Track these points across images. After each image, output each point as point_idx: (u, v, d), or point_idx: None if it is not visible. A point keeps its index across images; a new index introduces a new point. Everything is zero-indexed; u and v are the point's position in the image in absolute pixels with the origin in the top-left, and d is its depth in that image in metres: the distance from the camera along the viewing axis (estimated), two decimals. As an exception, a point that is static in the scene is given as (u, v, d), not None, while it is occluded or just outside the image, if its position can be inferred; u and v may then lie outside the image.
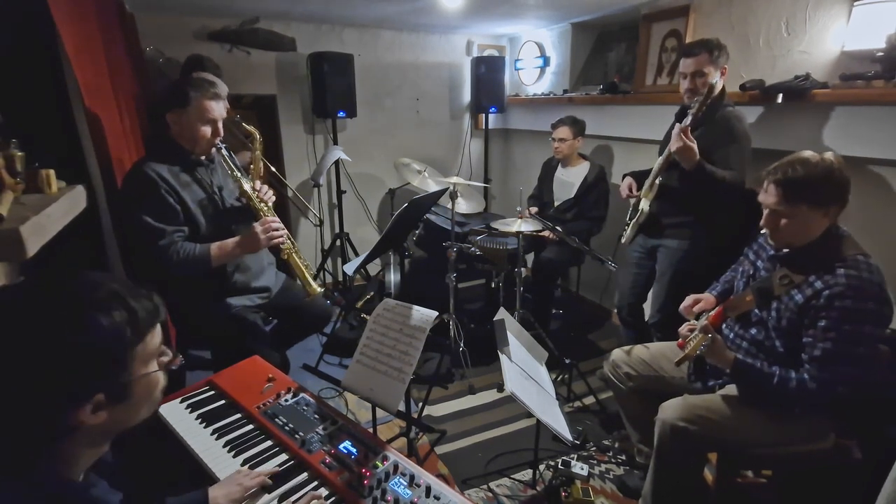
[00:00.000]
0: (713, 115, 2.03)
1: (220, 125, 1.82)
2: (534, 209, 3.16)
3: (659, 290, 2.31)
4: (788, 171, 1.36)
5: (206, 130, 1.78)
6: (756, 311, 1.53)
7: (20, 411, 0.69)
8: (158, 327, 0.81)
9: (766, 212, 1.45)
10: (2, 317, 0.69)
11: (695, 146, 1.94)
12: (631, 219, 2.30)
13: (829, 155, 1.37)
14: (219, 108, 1.80)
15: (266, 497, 1.12)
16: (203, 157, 1.85)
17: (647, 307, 2.50)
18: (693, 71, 2.06)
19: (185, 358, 2.11)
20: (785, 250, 1.50)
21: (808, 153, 1.38)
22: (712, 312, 1.67)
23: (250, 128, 2.13)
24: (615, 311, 3.46)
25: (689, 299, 1.77)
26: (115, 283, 0.76)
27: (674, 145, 1.97)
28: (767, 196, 1.42)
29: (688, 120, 1.96)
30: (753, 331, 1.55)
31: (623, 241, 2.34)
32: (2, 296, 0.74)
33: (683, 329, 1.69)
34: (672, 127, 2.25)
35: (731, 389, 1.57)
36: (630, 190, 2.33)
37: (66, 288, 0.73)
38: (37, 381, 0.68)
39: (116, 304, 0.73)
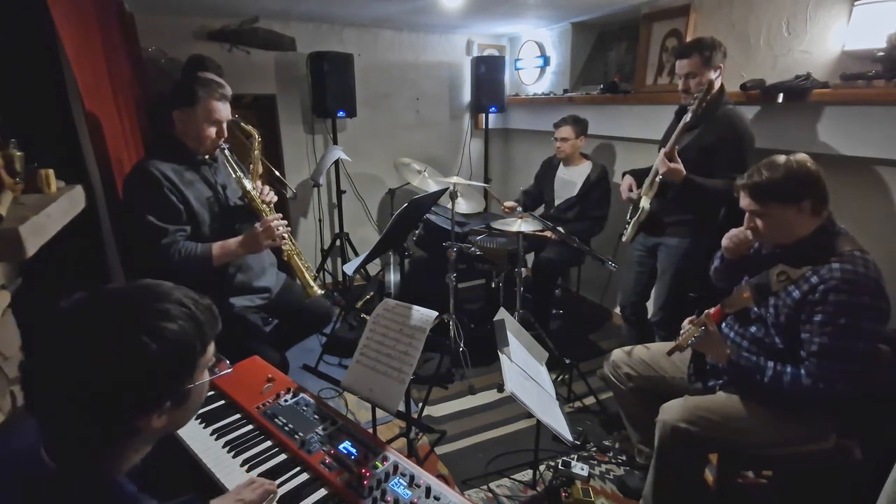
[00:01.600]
0: (713, 114, 2.04)
1: (225, 126, 1.82)
2: (511, 204, 3.12)
3: (660, 288, 2.32)
4: (753, 176, 1.43)
5: (212, 131, 1.78)
6: (755, 308, 1.54)
7: (96, 416, 0.70)
8: None
9: (746, 217, 1.51)
10: (86, 324, 0.71)
11: (679, 166, 1.98)
12: (632, 217, 2.30)
13: (798, 155, 1.41)
14: (225, 110, 1.80)
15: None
16: (206, 157, 1.85)
17: (650, 305, 2.50)
18: (686, 72, 2.09)
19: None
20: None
21: (779, 157, 1.42)
22: (711, 311, 1.67)
23: (249, 127, 2.13)
24: (616, 310, 3.47)
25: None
26: (181, 292, 0.78)
27: (661, 168, 2.01)
28: (742, 200, 1.49)
29: (688, 116, 1.97)
30: (753, 328, 1.55)
31: (624, 239, 2.34)
32: (81, 304, 0.74)
33: (684, 323, 1.70)
34: (672, 123, 2.26)
35: (732, 390, 1.57)
36: (630, 189, 2.33)
37: (137, 301, 0.75)
38: (116, 391, 0.69)
39: (186, 316, 0.75)
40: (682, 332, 1.62)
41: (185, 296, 0.77)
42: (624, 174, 2.42)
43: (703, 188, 2.00)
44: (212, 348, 0.82)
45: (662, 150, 2.02)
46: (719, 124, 2.03)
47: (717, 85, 2.05)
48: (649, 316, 2.45)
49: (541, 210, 3.31)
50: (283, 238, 1.84)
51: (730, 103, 2.10)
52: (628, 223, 2.32)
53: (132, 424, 0.73)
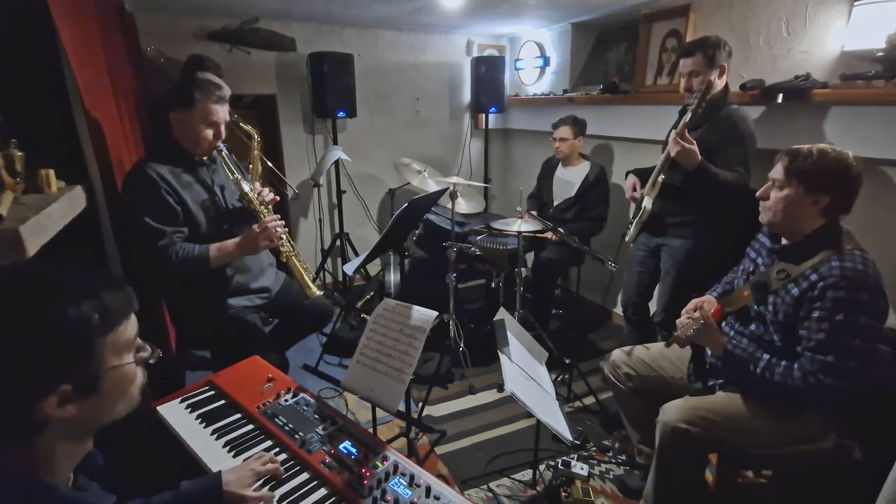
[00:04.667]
0: (717, 114, 2.03)
1: (223, 128, 1.82)
2: (533, 211, 3.17)
3: (664, 288, 2.32)
4: (801, 151, 1.40)
5: (209, 133, 1.78)
6: (755, 306, 1.54)
7: None
8: (133, 319, 0.79)
9: (767, 183, 1.49)
10: None
11: (694, 147, 1.94)
12: (634, 216, 2.30)
13: (850, 155, 1.38)
14: (223, 112, 1.80)
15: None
16: (205, 158, 1.85)
17: (653, 305, 2.50)
18: (689, 71, 2.07)
19: (185, 358, 2.12)
20: (783, 242, 1.51)
21: (836, 149, 1.39)
22: (711, 310, 1.67)
23: (248, 127, 2.13)
24: (616, 310, 3.47)
25: (691, 304, 1.77)
26: (85, 273, 0.74)
27: (672, 150, 1.97)
28: (775, 168, 1.47)
29: (687, 116, 1.96)
30: (752, 326, 1.56)
31: (627, 239, 2.34)
32: None
33: (682, 319, 1.70)
34: (676, 123, 2.25)
35: (732, 389, 1.58)
36: (634, 188, 2.33)
37: (32, 277, 0.72)
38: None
39: (83, 292, 0.71)
40: (679, 326, 1.63)
41: (88, 275, 0.74)
42: (628, 173, 2.41)
43: (716, 177, 1.96)
44: (126, 331, 0.77)
45: (674, 132, 1.98)
46: (723, 125, 2.03)
47: (720, 85, 2.05)
48: (652, 315, 2.45)
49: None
50: (281, 239, 1.84)
51: (734, 103, 2.09)
52: (631, 222, 2.31)
53: (29, 410, 0.68)
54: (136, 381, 0.81)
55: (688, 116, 1.96)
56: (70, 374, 0.70)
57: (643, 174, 2.31)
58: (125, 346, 0.77)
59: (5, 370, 0.67)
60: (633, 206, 2.34)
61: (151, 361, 0.83)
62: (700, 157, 1.95)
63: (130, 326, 0.78)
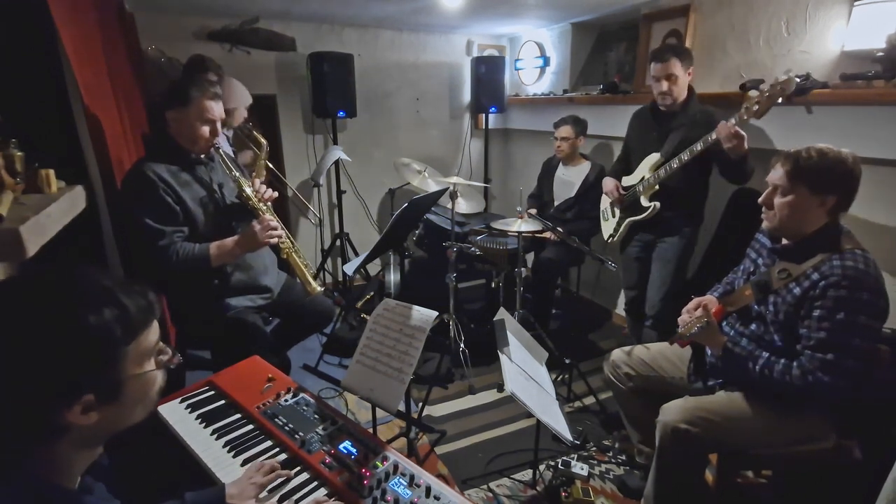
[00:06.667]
0: (691, 113, 2.18)
1: (219, 125, 1.82)
2: (533, 210, 3.17)
3: (662, 280, 2.37)
4: (801, 153, 1.40)
5: (205, 130, 1.78)
6: (755, 305, 1.54)
7: (5, 410, 0.67)
8: (155, 325, 0.79)
9: (768, 189, 1.48)
10: None
11: (745, 136, 1.97)
12: (624, 216, 2.35)
13: (849, 153, 1.38)
14: (218, 108, 1.81)
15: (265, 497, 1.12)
16: (202, 156, 1.85)
17: (649, 299, 2.52)
18: (668, 74, 2.17)
19: (184, 358, 2.13)
20: (784, 242, 1.51)
21: (833, 147, 1.39)
22: (713, 310, 1.67)
23: (260, 136, 2.14)
24: (615, 310, 3.47)
25: (692, 303, 1.77)
26: (108, 279, 0.74)
27: (729, 142, 1.95)
28: (774, 173, 1.46)
29: (733, 120, 1.96)
30: (753, 326, 1.56)
31: (615, 239, 2.42)
32: None
33: (684, 317, 1.70)
34: (648, 123, 2.36)
35: (732, 389, 1.58)
36: (617, 189, 2.42)
37: (55, 284, 0.71)
38: (22, 378, 0.66)
39: (107, 300, 0.71)
40: (681, 325, 1.63)
41: (111, 281, 0.73)
42: (603, 178, 2.53)
43: (749, 164, 2.04)
44: (148, 338, 0.76)
45: (724, 123, 1.95)
46: (702, 121, 2.14)
47: (686, 86, 2.21)
48: (647, 310, 2.46)
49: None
50: (281, 236, 1.85)
51: (700, 102, 2.25)
52: (620, 223, 2.37)
53: (52, 419, 0.68)
54: (156, 386, 0.81)
55: (744, 116, 1.94)
56: (93, 383, 0.70)
57: (615, 174, 2.47)
58: (147, 353, 0.77)
59: (29, 380, 0.66)
60: (608, 207, 2.48)
61: (172, 366, 0.83)
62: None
63: (152, 333, 0.78)
